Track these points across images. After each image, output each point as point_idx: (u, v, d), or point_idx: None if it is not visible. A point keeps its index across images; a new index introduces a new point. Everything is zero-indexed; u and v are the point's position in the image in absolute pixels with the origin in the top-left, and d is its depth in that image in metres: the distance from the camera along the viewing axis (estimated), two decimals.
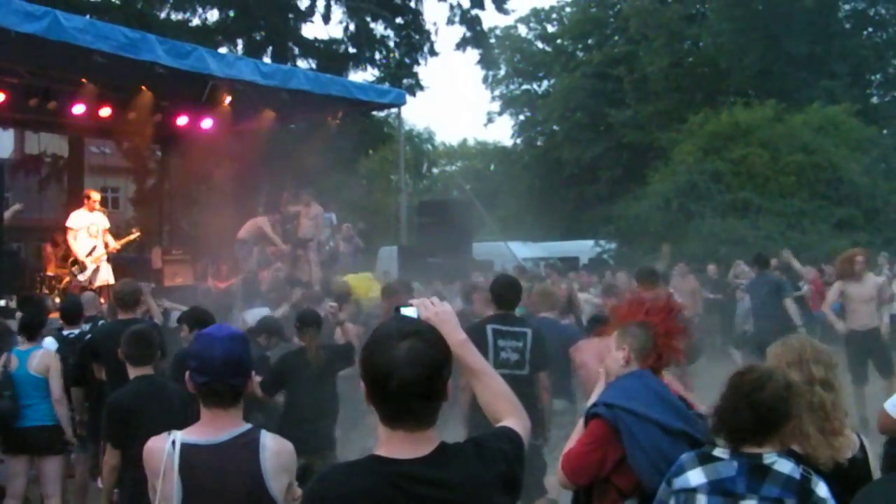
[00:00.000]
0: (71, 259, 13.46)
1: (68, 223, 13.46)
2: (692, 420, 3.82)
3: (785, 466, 3.18)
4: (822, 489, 3.15)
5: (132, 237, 14.82)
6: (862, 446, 3.58)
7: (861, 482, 3.45)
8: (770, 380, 3.26)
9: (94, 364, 7.19)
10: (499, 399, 2.70)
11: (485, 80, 47.56)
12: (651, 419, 3.75)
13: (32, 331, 7.44)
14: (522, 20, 46.39)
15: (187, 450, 3.13)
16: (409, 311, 2.80)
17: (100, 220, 13.66)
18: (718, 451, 3.27)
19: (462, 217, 18.23)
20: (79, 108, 15.35)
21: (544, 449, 6.54)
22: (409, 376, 2.21)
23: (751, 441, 3.22)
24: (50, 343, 8.00)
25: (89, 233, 13.43)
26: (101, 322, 8.84)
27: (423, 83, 29.89)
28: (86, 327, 8.70)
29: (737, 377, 3.31)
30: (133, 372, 5.55)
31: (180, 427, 5.28)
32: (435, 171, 59.08)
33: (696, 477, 3.24)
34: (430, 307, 2.76)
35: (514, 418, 2.64)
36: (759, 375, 3.27)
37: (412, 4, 29.46)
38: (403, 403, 2.25)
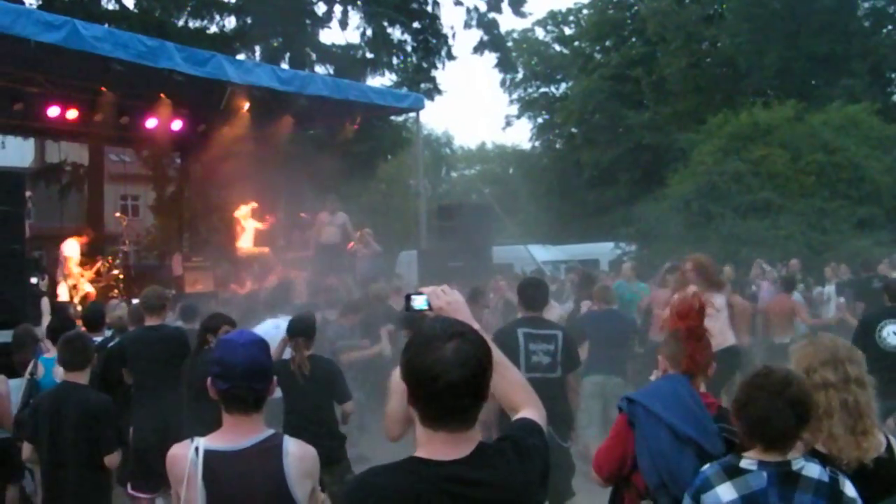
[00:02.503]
0: (72, 283, 13.86)
1: (68, 252, 13.95)
2: (708, 431, 3.79)
3: (813, 471, 3.14)
4: (849, 489, 3.13)
5: (98, 266, 15.08)
6: (889, 447, 3.52)
7: (886, 483, 3.44)
8: (793, 376, 3.25)
9: (123, 370, 7.23)
10: (516, 389, 2.71)
11: (502, 83, 47.53)
12: (664, 420, 3.77)
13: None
14: (539, 23, 46.43)
15: (210, 456, 3.11)
16: (419, 300, 2.78)
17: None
18: (745, 463, 3.20)
19: (481, 221, 18.17)
20: (98, 117, 15.44)
21: (572, 449, 6.54)
22: (457, 377, 2.21)
23: (790, 442, 3.17)
24: None
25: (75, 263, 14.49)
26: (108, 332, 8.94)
27: (440, 87, 29.97)
28: (108, 333, 8.77)
29: (759, 379, 3.23)
30: (65, 376, 5.80)
31: (83, 437, 5.43)
32: (454, 174, 59.19)
33: (726, 492, 3.17)
34: (442, 296, 2.76)
35: (531, 408, 2.65)
36: (785, 374, 3.23)
37: (429, 9, 29.47)
38: (449, 404, 2.25)
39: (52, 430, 5.49)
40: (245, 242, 16.10)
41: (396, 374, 5.50)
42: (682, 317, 4.15)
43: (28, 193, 12.55)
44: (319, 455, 3.27)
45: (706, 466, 3.31)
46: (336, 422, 6.86)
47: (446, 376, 2.20)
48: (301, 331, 6.86)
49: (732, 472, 3.19)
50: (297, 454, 3.22)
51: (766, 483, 3.12)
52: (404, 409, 5.29)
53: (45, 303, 8.88)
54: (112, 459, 5.62)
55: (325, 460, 5.84)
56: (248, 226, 16.21)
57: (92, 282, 14.63)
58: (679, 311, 4.19)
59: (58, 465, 5.49)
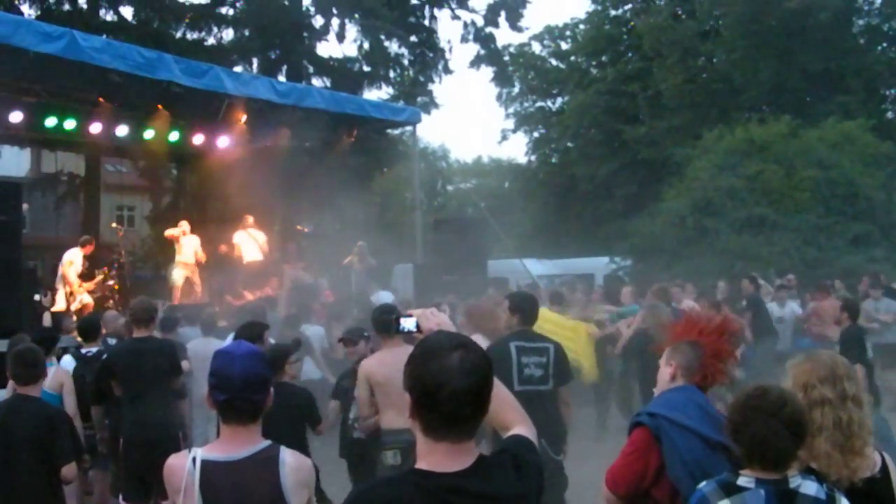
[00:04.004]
0: (69, 290, 13.87)
1: (70, 257, 13.95)
2: None
3: (810, 488, 3.13)
4: None
5: (100, 278, 15.06)
6: (884, 466, 3.50)
7: (879, 503, 3.43)
8: (787, 395, 3.24)
9: (112, 382, 7.23)
10: (507, 407, 2.71)
11: (499, 97, 47.48)
12: (692, 430, 3.75)
13: (46, 347, 7.40)
14: (536, 38, 46.38)
15: (208, 467, 3.13)
16: (408, 322, 2.82)
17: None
18: (743, 480, 3.17)
19: (477, 234, 18.18)
20: (95, 127, 15.46)
21: (565, 463, 6.53)
22: (462, 386, 2.24)
23: (789, 462, 3.15)
24: (68, 362, 8.04)
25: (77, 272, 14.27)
26: (111, 341, 8.96)
27: (437, 101, 30.15)
28: (112, 342, 8.79)
29: (754, 401, 3.20)
30: (18, 390, 5.74)
31: (37, 449, 5.37)
32: (449, 188, 59.16)
33: None
34: (431, 318, 2.80)
35: (523, 426, 2.67)
36: (779, 393, 3.22)
37: (426, 23, 29.60)
38: (453, 413, 2.26)
39: (2, 442, 5.42)
40: (188, 258, 15.79)
41: (362, 367, 6.45)
42: (708, 334, 4.14)
43: (25, 206, 12.59)
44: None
45: (703, 484, 3.28)
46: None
47: (451, 385, 2.22)
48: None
49: (730, 490, 3.17)
50: (294, 465, 3.23)
51: (763, 501, 3.10)
52: (369, 394, 6.33)
53: (47, 317, 8.88)
54: (69, 470, 5.54)
55: None
56: (185, 242, 15.83)
57: (90, 293, 14.62)
58: (705, 328, 4.18)
59: (8, 478, 5.41)
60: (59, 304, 13.88)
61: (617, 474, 3.92)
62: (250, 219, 16.20)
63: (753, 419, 3.16)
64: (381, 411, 6.41)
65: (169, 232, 16.12)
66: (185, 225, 15.76)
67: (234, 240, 16.47)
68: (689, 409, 3.86)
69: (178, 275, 15.40)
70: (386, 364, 6.15)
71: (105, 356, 7.81)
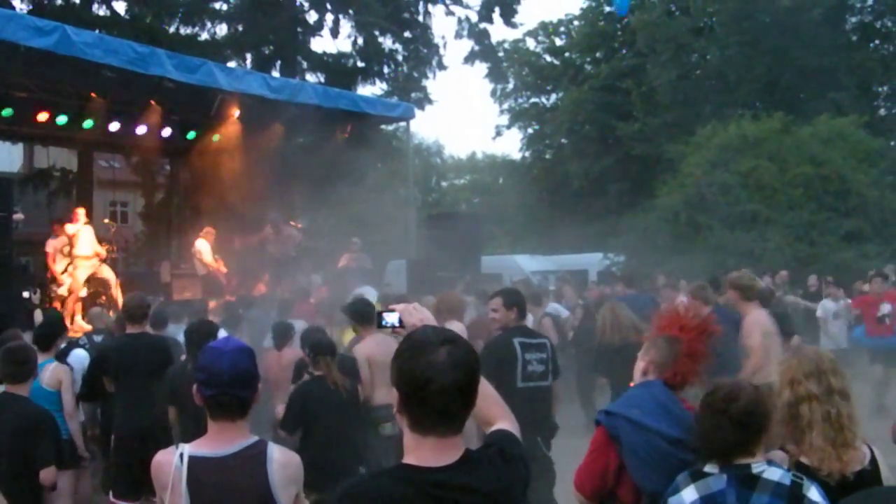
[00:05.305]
0: (51, 277, 13.85)
1: (48, 248, 13.97)
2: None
3: (774, 474, 3.21)
4: (814, 493, 3.17)
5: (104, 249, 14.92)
6: (872, 459, 3.54)
7: None
8: (741, 389, 3.35)
9: (105, 378, 7.20)
10: (491, 403, 2.72)
11: (493, 93, 47.45)
12: (648, 427, 3.73)
13: (47, 343, 7.37)
14: (530, 34, 46.33)
15: (195, 462, 3.12)
16: (391, 317, 2.82)
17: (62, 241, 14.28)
18: (709, 468, 3.31)
19: (471, 230, 18.18)
20: (88, 123, 15.42)
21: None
22: (450, 380, 2.24)
23: (740, 453, 3.27)
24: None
25: (62, 253, 14.13)
26: (96, 338, 8.94)
27: (431, 97, 30.01)
28: (96, 339, 8.76)
29: (708, 397, 3.41)
30: (6, 388, 5.69)
31: (19, 449, 5.34)
32: (444, 184, 59.17)
33: (689, 495, 3.28)
34: (414, 313, 2.80)
35: (506, 421, 2.68)
36: (730, 388, 3.37)
37: (420, 18, 29.53)
38: (441, 408, 2.26)
39: None
40: (84, 251, 15.29)
41: (358, 350, 7.03)
42: (686, 331, 4.11)
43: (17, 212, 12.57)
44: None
45: (680, 475, 3.39)
46: (358, 453, 6.52)
47: (440, 379, 2.23)
48: (328, 349, 6.72)
49: (697, 477, 3.32)
50: (282, 460, 3.23)
51: (725, 484, 3.23)
52: (370, 374, 6.78)
53: (38, 314, 8.85)
54: (47, 474, 5.49)
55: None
56: (82, 234, 15.16)
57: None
58: (685, 325, 4.14)
59: None
60: (62, 291, 13.94)
61: (582, 475, 3.93)
62: (207, 229, 16.07)
63: (703, 415, 3.40)
64: (376, 388, 6.86)
65: (68, 226, 15.50)
66: (81, 215, 14.72)
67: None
68: (649, 405, 3.83)
69: (82, 274, 14.22)
70: (381, 344, 6.67)
71: (98, 352, 7.79)
